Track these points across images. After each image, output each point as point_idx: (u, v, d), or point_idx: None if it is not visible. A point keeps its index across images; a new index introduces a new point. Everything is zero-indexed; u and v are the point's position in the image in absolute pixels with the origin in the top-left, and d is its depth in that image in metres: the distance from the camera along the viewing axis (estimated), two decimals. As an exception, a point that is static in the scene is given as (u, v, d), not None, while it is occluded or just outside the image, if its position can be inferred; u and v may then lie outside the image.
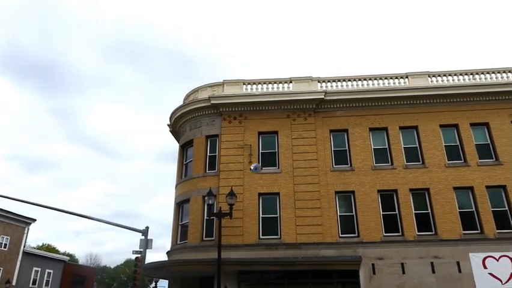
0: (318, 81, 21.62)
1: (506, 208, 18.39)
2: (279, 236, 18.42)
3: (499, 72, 21.24)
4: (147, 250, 19.29)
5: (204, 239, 19.08)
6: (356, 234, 18.28)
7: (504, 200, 18.56)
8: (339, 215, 18.83)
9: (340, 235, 18.31)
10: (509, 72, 21.21)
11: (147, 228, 19.68)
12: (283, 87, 21.53)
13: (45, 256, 46.04)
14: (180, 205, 21.08)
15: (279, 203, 19.11)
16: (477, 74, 21.28)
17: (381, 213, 18.65)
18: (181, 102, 23.77)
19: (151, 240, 19.56)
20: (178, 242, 20.30)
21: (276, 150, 20.34)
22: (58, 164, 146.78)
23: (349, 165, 19.77)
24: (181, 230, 20.57)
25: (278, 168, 19.80)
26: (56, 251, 73.05)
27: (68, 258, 54.54)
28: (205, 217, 19.44)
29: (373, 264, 17.37)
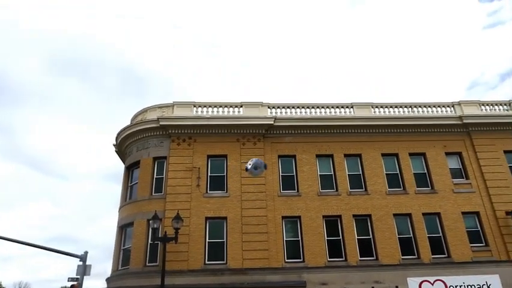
0: (268, 107, 22.07)
1: (441, 234, 19.50)
2: (225, 261, 18.15)
3: (434, 107, 22.87)
4: (85, 277, 18.16)
5: (147, 264, 18.35)
6: (302, 259, 18.45)
7: (439, 227, 19.70)
8: (286, 240, 18.97)
9: (286, 260, 18.39)
10: (444, 106, 22.93)
11: (86, 253, 18.59)
12: (233, 112, 21.72)
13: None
14: (123, 229, 20.23)
15: (226, 227, 18.92)
16: (415, 107, 22.78)
17: (326, 238, 19.04)
18: (129, 122, 23.18)
19: (90, 266, 18.45)
20: (120, 268, 19.36)
21: (225, 174, 20.29)
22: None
23: (296, 190, 20.12)
24: (123, 255, 19.66)
25: (226, 192, 19.71)
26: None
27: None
28: (149, 241, 18.76)
29: (317, 290, 17.54)
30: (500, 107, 23.28)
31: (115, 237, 20.51)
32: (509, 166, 21.38)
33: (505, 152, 21.70)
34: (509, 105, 23.28)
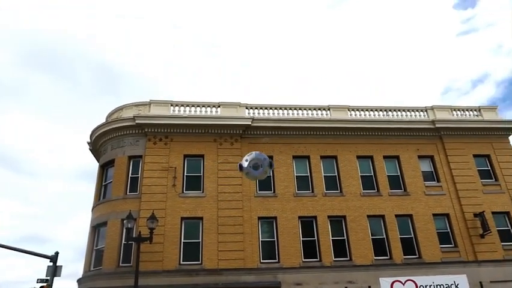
0: (246, 108, 22.09)
1: (412, 235, 19.98)
2: (200, 262, 18.05)
3: (409, 111, 23.43)
4: (55, 278, 17.70)
5: (121, 265, 18.04)
6: (277, 260, 18.55)
7: (410, 228, 20.18)
8: (261, 241, 19.02)
9: (261, 261, 18.45)
10: (417, 111, 23.52)
11: (56, 253, 18.12)
12: (211, 111, 21.64)
13: None
14: (96, 228, 19.82)
15: (202, 227, 18.82)
16: (390, 110, 23.27)
17: (301, 239, 19.21)
18: (103, 120, 22.74)
19: (61, 267, 17.99)
20: (92, 269, 18.95)
21: (202, 174, 20.18)
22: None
23: (272, 191, 20.21)
24: (95, 256, 19.25)
25: (203, 192, 19.61)
26: None
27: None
28: (123, 242, 18.45)
29: (292, 290, 17.67)
30: (471, 112, 24.07)
31: (88, 237, 20.08)
32: (478, 170, 22.12)
33: (474, 156, 22.45)
34: (479, 111, 24.09)
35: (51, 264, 17.88)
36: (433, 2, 69.46)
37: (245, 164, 6.18)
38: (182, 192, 19.49)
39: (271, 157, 20.97)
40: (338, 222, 19.88)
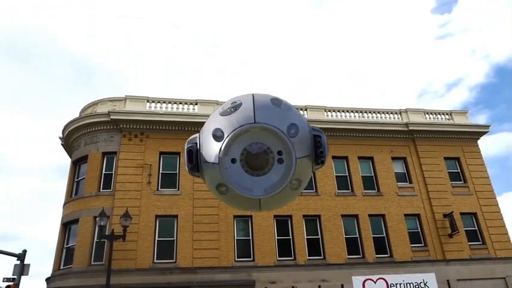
0: (224, 106, 21.98)
1: (384, 235, 20.43)
2: (174, 260, 17.89)
3: (383, 113, 23.91)
4: (23, 277, 17.16)
5: (92, 263, 17.67)
6: (252, 258, 18.59)
7: (383, 228, 20.63)
8: (237, 239, 19.02)
9: (236, 259, 18.44)
10: (392, 113, 24.01)
11: (24, 251, 17.57)
12: (188, 109, 21.44)
13: None
14: (67, 226, 19.33)
15: (176, 225, 18.65)
16: (366, 112, 23.68)
17: (276, 237, 19.32)
18: (77, 115, 22.18)
19: (28, 265, 17.48)
20: (62, 267, 18.47)
21: (177, 172, 19.98)
22: None
23: (248, 190, 20.19)
24: (66, 254, 18.77)
25: (178, 190, 19.42)
26: None
27: None
28: (95, 239, 18.07)
29: (266, 288, 17.77)
30: (443, 116, 24.77)
31: (58, 235, 19.55)
32: (448, 172, 22.82)
33: (445, 158, 23.14)
34: (450, 115, 24.83)
35: (18, 262, 17.33)
36: (412, 6, 71.08)
37: None
38: (158, 189, 19.24)
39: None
40: (312, 222, 20.10)
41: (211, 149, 1.35)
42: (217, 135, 1.36)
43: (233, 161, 1.34)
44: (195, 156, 1.41)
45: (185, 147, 1.44)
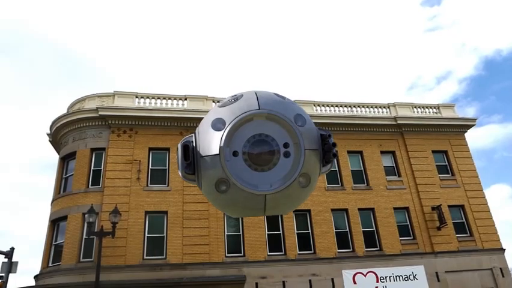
0: (213, 101, 21.90)
1: (374, 229, 20.60)
2: (164, 257, 17.84)
3: (372, 107, 24.03)
4: (11, 274, 16.99)
5: (81, 260, 17.54)
6: (242, 254, 18.62)
7: (372, 222, 20.79)
8: (227, 235, 19.02)
9: (226, 255, 18.45)
10: (380, 107, 24.16)
11: (12, 249, 17.39)
12: (177, 104, 21.31)
13: None
14: (56, 223, 19.14)
15: (166, 221, 18.58)
16: (354, 107, 23.78)
17: (267, 232, 19.36)
18: (64, 111, 21.91)
19: (16, 263, 17.32)
20: (50, 264, 18.31)
21: (167, 168, 19.88)
22: None
23: (239, 185, 20.19)
24: (54, 251, 18.61)
25: (168, 185, 19.33)
26: None
27: None
28: (84, 236, 17.93)
29: (256, 283, 17.81)
30: (430, 109, 24.98)
31: (46, 232, 19.36)
32: (436, 165, 23.05)
33: (433, 152, 23.36)
34: (438, 108, 25.05)
35: (6, 260, 17.15)
36: (402, -2, 71.35)
37: None
38: (147, 185, 19.14)
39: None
40: (302, 216, 20.17)
41: (211, 140, 1.23)
42: (217, 125, 1.24)
43: (235, 154, 1.22)
44: (191, 152, 1.27)
45: (180, 144, 1.31)
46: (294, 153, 1.25)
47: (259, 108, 1.24)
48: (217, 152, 1.20)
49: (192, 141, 1.29)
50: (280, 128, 1.25)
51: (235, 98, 1.31)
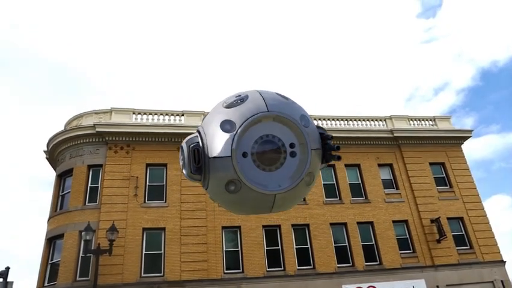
0: (210, 116, 21.95)
1: (373, 242, 20.47)
2: (162, 274, 17.63)
3: (368, 120, 24.13)
4: (6, 294, 16.72)
5: (78, 279, 17.30)
6: (241, 270, 18.42)
7: (371, 235, 20.67)
8: (225, 251, 18.86)
9: (225, 271, 18.26)
10: (377, 120, 24.25)
11: (7, 268, 17.12)
12: (174, 120, 21.35)
13: None
14: (52, 241, 18.94)
15: (164, 238, 18.42)
16: (351, 120, 23.88)
17: (265, 248, 19.20)
18: (62, 128, 21.89)
19: (12, 283, 17.04)
20: (46, 284, 18.05)
21: (164, 184, 19.80)
22: None
23: (236, 200, 20.10)
24: (50, 270, 18.36)
25: (165, 202, 19.23)
26: None
27: None
28: (81, 254, 17.74)
29: (256, 300, 17.60)
30: (426, 122, 25.10)
31: (42, 251, 19.14)
32: (434, 177, 23.05)
33: (430, 164, 23.38)
34: (434, 120, 25.17)
35: (1, 280, 16.89)
36: (398, 11, 72.29)
37: None
38: (144, 202, 19.03)
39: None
40: (301, 231, 20.05)
41: (221, 143, 1.26)
42: (227, 127, 1.27)
43: (244, 155, 1.26)
44: (202, 155, 1.28)
45: (187, 148, 1.31)
46: (300, 153, 1.30)
47: (267, 110, 1.28)
48: (229, 154, 1.23)
49: (198, 142, 1.31)
50: (286, 129, 1.30)
51: (241, 99, 1.33)
